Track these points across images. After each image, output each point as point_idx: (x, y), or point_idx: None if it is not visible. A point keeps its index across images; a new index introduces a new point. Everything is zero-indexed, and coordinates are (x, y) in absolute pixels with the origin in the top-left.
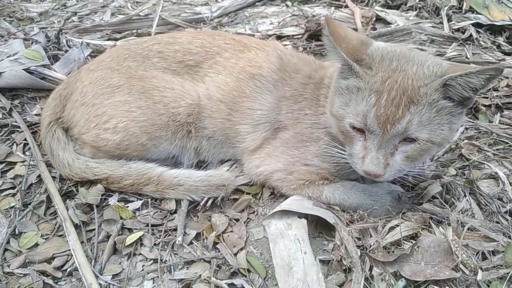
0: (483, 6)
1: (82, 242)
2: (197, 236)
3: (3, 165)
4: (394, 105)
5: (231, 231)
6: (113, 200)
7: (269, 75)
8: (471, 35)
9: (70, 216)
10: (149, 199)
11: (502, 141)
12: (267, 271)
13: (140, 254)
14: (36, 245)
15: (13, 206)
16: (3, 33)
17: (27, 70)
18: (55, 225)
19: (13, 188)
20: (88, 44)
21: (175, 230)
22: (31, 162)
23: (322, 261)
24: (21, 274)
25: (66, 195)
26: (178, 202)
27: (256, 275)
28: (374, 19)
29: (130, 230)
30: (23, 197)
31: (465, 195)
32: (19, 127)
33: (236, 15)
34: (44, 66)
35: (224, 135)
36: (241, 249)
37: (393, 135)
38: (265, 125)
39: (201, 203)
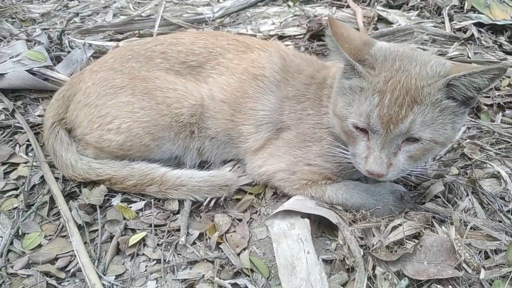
0: (485, 5)
1: (85, 243)
2: (200, 236)
3: (6, 166)
4: (397, 105)
5: (234, 231)
6: (116, 201)
7: (272, 75)
8: (472, 35)
9: (74, 217)
10: (152, 200)
11: (504, 140)
12: (270, 271)
13: (143, 254)
14: (40, 246)
15: (16, 207)
16: (5, 34)
17: (29, 71)
18: (59, 225)
19: (16, 189)
20: (90, 45)
21: (178, 230)
22: (34, 163)
23: (325, 261)
24: (24, 275)
25: (69, 196)
26: (181, 202)
27: (259, 275)
28: (376, 19)
29: (133, 231)
30: (26, 198)
31: (467, 194)
32: (21, 128)
33: (238, 15)
34: (46, 67)
35: (227, 136)
36: (244, 249)
37: (396, 135)
38: (268, 126)
39: (204, 203)
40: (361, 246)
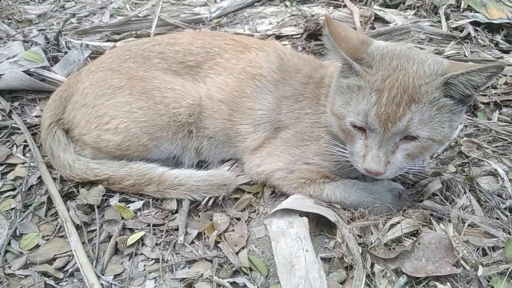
0: (481, 4)
1: (83, 243)
2: (199, 236)
3: (3, 167)
4: (395, 104)
5: (233, 230)
6: (114, 201)
7: (270, 75)
8: (469, 34)
9: (71, 217)
10: (150, 199)
11: (501, 138)
12: (268, 269)
13: (141, 254)
14: (37, 246)
15: (13, 208)
16: (2, 35)
17: (26, 72)
18: (56, 226)
19: (13, 189)
20: (87, 45)
21: (177, 229)
22: (32, 164)
23: (324, 259)
24: (22, 275)
25: (67, 196)
26: (179, 202)
27: (258, 273)
28: (372, 18)
29: (132, 230)
30: (23, 199)
31: (465, 192)
32: (19, 128)
33: (235, 15)
34: (43, 68)
35: (225, 135)
36: (243, 248)
37: (394, 133)
38: (266, 125)
39: (202, 203)
40: (359, 244)
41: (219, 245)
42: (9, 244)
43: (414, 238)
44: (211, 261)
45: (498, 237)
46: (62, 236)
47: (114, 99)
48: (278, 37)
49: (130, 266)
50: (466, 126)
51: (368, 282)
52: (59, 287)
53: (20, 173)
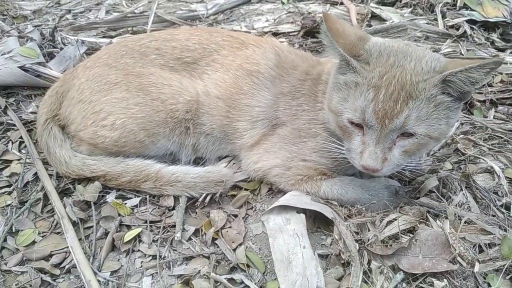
0: (477, 3)
1: (80, 239)
2: (196, 232)
3: None
4: (392, 100)
5: (230, 227)
6: (111, 197)
7: (267, 71)
8: (465, 32)
9: (68, 214)
10: (147, 196)
11: (497, 136)
12: (266, 266)
13: (138, 250)
14: (34, 242)
15: (9, 204)
16: None
17: (22, 67)
18: (53, 222)
19: (9, 186)
20: (83, 41)
21: (174, 226)
22: (27, 160)
23: (321, 256)
24: (18, 271)
25: (63, 193)
26: (176, 198)
27: (255, 270)
28: (369, 16)
29: (129, 227)
30: (19, 195)
31: (461, 189)
32: (14, 125)
33: (231, 12)
34: (39, 63)
35: (222, 132)
36: (240, 244)
37: (391, 130)
38: (263, 122)
39: (200, 199)
40: (356, 240)
41: (216, 241)
42: (5, 240)
43: (411, 235)
44: (208, 257)
45: (494, 234)
46: (58, 233)
47: (111, 95)
48: (275, 34)
49: (127, 263)
50: (462, 124)
51: (365, 279)
52: (56, 284)
53: (16, 170)
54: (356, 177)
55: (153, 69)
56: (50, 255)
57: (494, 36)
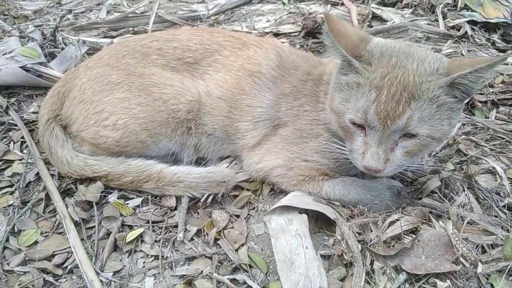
0: (478, 3)
1: (82, 240)
2: (198, 233)
3: (1, 163)
4: (394, 101)
5: (232, 227)
6: (113, 197)
7: (268, 72)
8: (466, 33)
9: (70, 214)
10: (149, 196)
11: (499, 137)
12: (268, 266)
13: (141, 251)
14: (36, 242)
15: (11, 204)
16: None
17: (23, 67)
18: (55, 222)
19: (11, 186)
20: (84, 41)
21: (176, 226)
22: (29, 160)
23: (323, 256)
24: (21, 272)
25: (65, 193)
26: (178, 198)
27: (257, 270)
28: (370, 16)
29: (131, 227)
30: (21, 195)
31: (463, 190)
32: (16, 125)
33: (232, 12)
34: (40, 63)
35: (224, 132)
36: (242, 245)
37: (394, 130)
38: (265, 122)
39: (202, 200)
40: (359, 241)
41: (218, 242)
42: (7, 240)
43: (414, 236)
44: (210, 258)
45: (496, 234)
46: (60, 233)
47: (112, 95)
48: (276, 35)
49: (129, 263)
50: (464, 125)
51: (368, 279)
52: (58, 284)
53: (18, 170)
54: (358, 177)
55: (155, 69)
56: (53, 255)
57: (495, 37)
